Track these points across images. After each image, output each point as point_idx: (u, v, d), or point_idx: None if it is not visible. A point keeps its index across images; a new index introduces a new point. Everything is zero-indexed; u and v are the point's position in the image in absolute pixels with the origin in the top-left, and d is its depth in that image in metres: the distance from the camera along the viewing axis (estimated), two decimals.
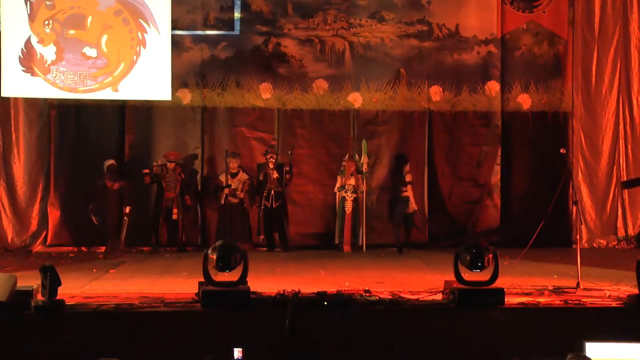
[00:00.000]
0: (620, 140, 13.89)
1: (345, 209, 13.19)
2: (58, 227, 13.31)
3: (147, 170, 12.96)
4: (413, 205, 13.20)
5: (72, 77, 12.75)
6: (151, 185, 13.05)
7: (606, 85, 13.88)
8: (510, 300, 7.92)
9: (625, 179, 13.38)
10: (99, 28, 12.82)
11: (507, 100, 13.89)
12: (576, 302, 7.99)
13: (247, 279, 7.75)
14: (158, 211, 13.09)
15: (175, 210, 13.02)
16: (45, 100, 13.18)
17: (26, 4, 12.62)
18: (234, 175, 13.23)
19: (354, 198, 13.23)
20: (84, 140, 13.40)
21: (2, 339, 7.18)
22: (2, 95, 12.80)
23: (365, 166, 13.23)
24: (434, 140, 13.87)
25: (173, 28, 13.07)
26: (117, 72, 12.84)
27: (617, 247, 13.62)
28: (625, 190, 13.43)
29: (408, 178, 13.22)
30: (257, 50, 13.69)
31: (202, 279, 7.83)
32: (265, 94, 13.67)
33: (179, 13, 13.23)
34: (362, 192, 13.26)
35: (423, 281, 9.30)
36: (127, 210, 12.49)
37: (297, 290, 7.97)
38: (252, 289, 7.76)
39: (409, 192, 13.18)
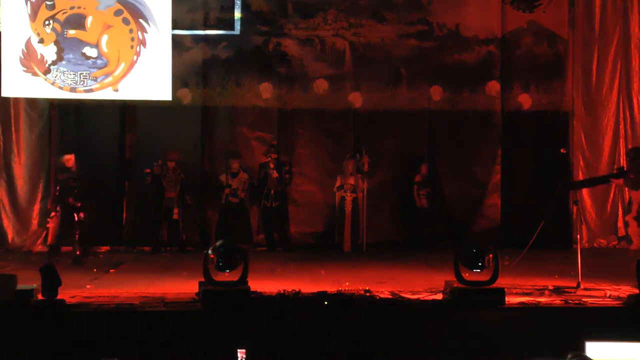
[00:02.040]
0: (621, 140, 13.89)
1: (345, 208, 13.21)
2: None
3: (148, 170, 12.96)
4: (419, 203, 13.42)
5: (72, 77, 12.75)
6: (152, 185, 13.03)
7: (606, 85, 13.87)
8: (510, 300, 7.94)
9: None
10: (99, 28, 12.81)
11: (507, 100, 13.87)
12: (576, 302, 8.01)
13: (247, 279, 7.76)
14: (159, 211, 13.09)
15: (176, 210, 13.01)
16: (46, 100, 13.18)
17: (26, 4, 12.61)
18: (234, 175, 13.23)
19: (354, 198, 13.25)
20: (84, 140, 13.38)
21: (2, 339, 7.19)
22: (2, 95, 12.78)
23: (366, 166, 13.24)
24: (434, 140, 13.86)
25: (173, 28, 13.05)
26: (117, 72, 12.84)
27: (617, 247, 13.61)
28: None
29: (417, 178, 13.36)
30: (257, 50, 13.68)
31: (202, 279, 7.84)
32: (265, 93, 13.66)
33: (179, 13, 13.22)
34: (363, 191, 13.28)
35: (423, 281, 9.31)
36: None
37: (297, 290, 8.00)
38: (252, 289, 7.78)
39: (414, 192, 13.44)
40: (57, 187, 12.39)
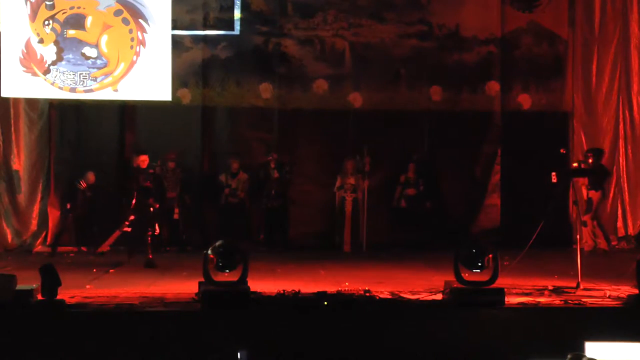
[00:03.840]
0: (620, 140, 13.87)
1: (345, 208, 13.21)
2: (58, 227, 13.30)
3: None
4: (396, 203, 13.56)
5: (72, 77, 12.75)
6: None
7: (606, 85, 13.86)
8: (510, 300, 7.94)
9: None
10: (99, 28, 12.81)
11: (507, 100, 13.87)
12: (576, 302, 8.01)
13: (247, 279, 7.76)
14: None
15: (176, 210, 13.03)
16: (46, 100, 13.18)
17: (26, 4, 12.61)
18: (234, 175, 13.24)
19: (354, 198, 13.26)
20: (84, 140, 13.40)
21: (2, 339, 7.19)
22: (2, 95, 12.78)
23: (367, 166, 13.24)
24: (434, 140, 13.86)
25: (173, 28, 13.06)
26: (117, 72, 12.84)
27: (617, 247, 13.60)
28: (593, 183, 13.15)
29: (402, 179, 13.36)
30: (257, 50, 13.68)
31: (202, 279, 7.84)
32: (265, 94, 13.66)
33: (179, 13, 13.23)
34: (363, 191, 13.28)
35: (423, 281, 9.31)
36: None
37: (297, 290, 7.99)
38: (252, 289, 7.78)
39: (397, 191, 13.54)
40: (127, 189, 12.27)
